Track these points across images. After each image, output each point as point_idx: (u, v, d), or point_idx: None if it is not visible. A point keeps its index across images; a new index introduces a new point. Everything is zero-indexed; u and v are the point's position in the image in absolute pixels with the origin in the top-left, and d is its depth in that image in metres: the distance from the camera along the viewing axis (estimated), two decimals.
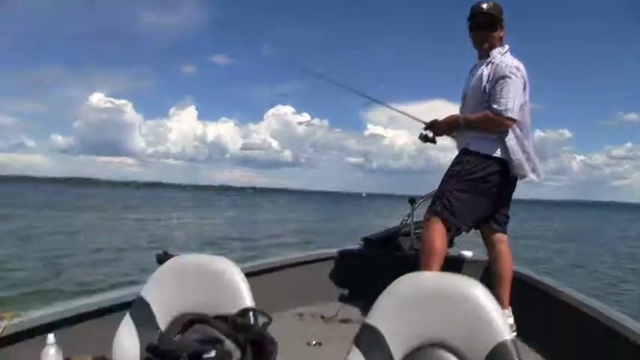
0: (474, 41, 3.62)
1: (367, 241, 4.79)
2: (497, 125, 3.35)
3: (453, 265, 3.93)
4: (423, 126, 3.82)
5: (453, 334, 1.45)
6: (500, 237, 3.65)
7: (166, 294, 1.83)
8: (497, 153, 3.39)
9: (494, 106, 3.31)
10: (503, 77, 3.31)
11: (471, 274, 4.11)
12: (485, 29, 3.52)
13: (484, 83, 3.41)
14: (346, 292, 4.44)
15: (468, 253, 4.53)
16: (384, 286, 1.59)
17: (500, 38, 3.54)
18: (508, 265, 3.60)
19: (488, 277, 3.71)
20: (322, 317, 3.91)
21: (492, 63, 3.43)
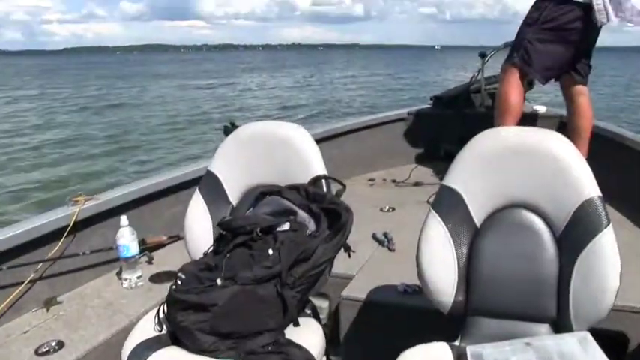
0: None
1: (437, 99, 4.63)
2: None
3: (528, 120, 3.74)
4: None
5: (536, 193, 1.37)
6: (581, 89, 3.42)
7: (235, 166, 1.78)
8: None
9: None
10: None
11: (546, 128, 3.99)
12: None
13: None
14: (417, 154, 4.35)
15: (541, 108, 4.32)
16: (456, 146, 1.50)
17: None
18: (588, 119, 3.40)
19: (565, 132, 3.54)
20: (394, 181, 3.85)
21: None
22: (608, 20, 3.13)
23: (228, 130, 2.01)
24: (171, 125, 13.76)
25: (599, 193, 1.32)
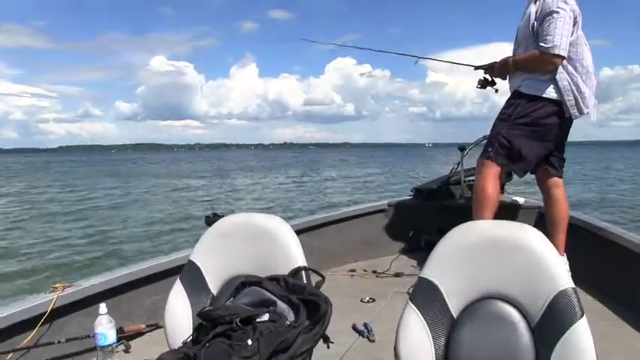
0: None
1: (417, 191, 4.73)
2: (545, 64, 3.21)
3: (506, 212, 3.85)
4: (482, 72, 3.70)
5: (512, 285, 1.39)
6: (556, 181, 3.54)
7: (216, 256, 1.79)
8: (549, 93, 3.26)
9: (541, 44, 3.17)
10: (550, 13, 3.15)
11: (524, 221, 4.03)
12: None
13: (532, 21, 3.27)
14: (398, 245, 4.37)
15: (520, 199, 4.42)
16: (436, 238, 1.53)
17: None
18: (564, 210, 3.49)
19: (542, 223, 3.59)
20: (375, 272, 3.87)
21: (539, 0, 3.26)
22: (580, 113, 3.28)
23: (210, 220, 2.04)
24: (155, 222, 13.61)
25: (573, 285, 1.34)
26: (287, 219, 1.89)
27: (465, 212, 3.36)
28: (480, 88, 3.72)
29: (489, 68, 3.65)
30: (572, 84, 3.22)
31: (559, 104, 3.26)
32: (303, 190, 21.98)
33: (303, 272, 1.68)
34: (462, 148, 4.58)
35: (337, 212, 4.30)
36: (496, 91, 3.68)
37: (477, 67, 3.76)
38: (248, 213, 1.92)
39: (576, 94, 3.22)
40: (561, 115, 3.29)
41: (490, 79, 3.67)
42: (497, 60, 3.58)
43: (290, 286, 1.61)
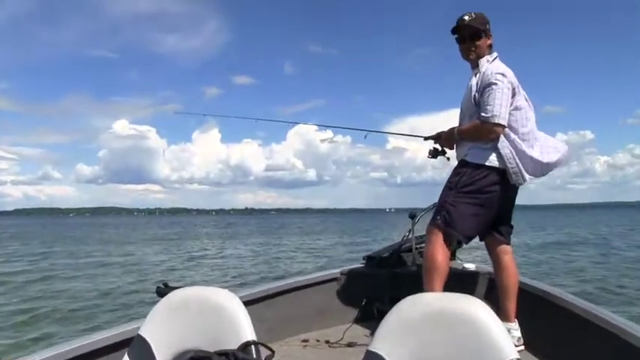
0: (462, 53, 3.63)
1: (369, 259, 4.74)
2: (486, 133, 3.33)
3: (457, 279, 3.92)
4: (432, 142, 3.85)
5: (456, 357, 1.43)
6: (504, 248, 3.61)
7: (166, 330, 1.78)
8: (492, 162, 3.37)
9: (482, 114, 3.31)
10: (489, 85, 3.30)
11: (475, 287, 4.15)
12: (469, 41, 3.54)
13: (473, 93, 3.42)
14: (350, 314, 4.35)
15: (470, 266, 4.50)
16: (388, 306, 1.57)
17: (489, 46, 3.56)
18: (513, 277, 3.55)
19: (493, 289, 3.68)
20: (327, 342, 3.81)
21: (480, 72, 3.44)
22: (524, 180, 3.38)
23: (161, 291, 2.03)
24: (103, 294, 12.77)
25: (518, 356, 1.38)
26: (238, 290, 1.90)
27: (417, 280, 3.41)
28: (430, 157, 3.83)
29: (438, 138, 3.79)
30: (513, 152, 3.33)
31: (502, 172, 3.37)
32: (260, 258, 21.59)
33: (253, 347, 1.68)
34: (412, 215, 4.63)
35: (289, 282, 4.26)
36: (448, 159, 3.78)
37: (426, 138, 3.91)
38: (198, 286, 1.92)
39: (518, 161, 3.33)
40: (505, 183, 3.40)
41: (440, 148, 3.79)
42: (445, 130, 3.72)
43: None
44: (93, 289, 13.28)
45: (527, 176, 3.38)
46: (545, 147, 3.48)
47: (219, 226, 72.44)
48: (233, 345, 1.68)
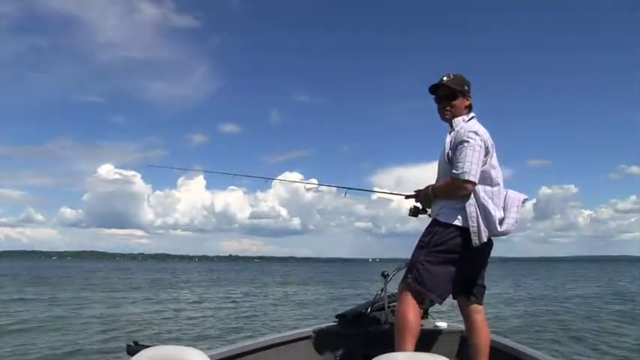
0: (439, 112, 3.70)
1: (341, 317, 4.71)
2: (457, 190, 3.36)
3: (428, 338, 3.87)
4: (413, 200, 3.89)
5: None
6: (476, 307, 3.62)
7: None
8: (458, 221, 3.39)
9: (453, 171, 3.35)
10: (461, 142, 3.36)
11: (447, 346, 4.14)
12: (445, 100, 3.63)
13: (447, 150, 3.48)
14: None
15: (442, 324, 4.50)
16: None
17: (467, 107, 3.64)
18: (485, 336, 3.56)
19: (465, 347, 3.69)
20: None
21: (454, 131, 3.51)
22: (480, 241, 3.37)
23: (131, 350, 2.04)
24: (72, 350, 11.96)
25: None
26: (207, 349, 1.87)
27: (389, 338, 3.38)
28: (411, 215, 3.82)
29: (417, 196, 3.81)
30: (479, 210, 3.35)
31: (467, 232, 3.38)
32: (239, 310, 21.31)
33: None
34: (385, 274, 4.67)
35: (260, 340, 4.22)
36: (429, 216, 3.76)
37: (407, 197, 3.94)
38: (167, 345, 1.91)
39: (481, 221, 3.33)
40: (471, 242, 3.40)
41: (420, 206, 3.81)
42: (423, 188, 3.74)
43: None
44: (59, 341, 12.82)
45: (484, 237, 3.36)
46: (509, 210, 3.48)
47: (201, 273, 71.71)
48: None
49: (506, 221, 3.44)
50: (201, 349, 1.91)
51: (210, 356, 1.83)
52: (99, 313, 19.14)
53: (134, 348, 2.05)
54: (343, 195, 4.75)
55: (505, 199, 3.52)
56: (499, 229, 3.40)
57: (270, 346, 4.21)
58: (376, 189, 4.89)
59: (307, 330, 4.60)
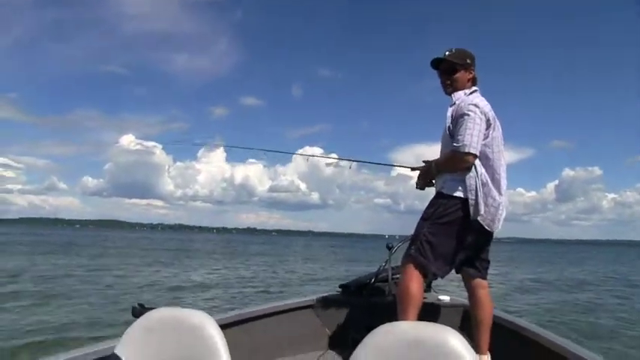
0: (442, 85, 3.70)
1: (344, 288, 4.74)
2: (458, 162, 3.35)
3: (431, 310, 3.85)
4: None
5: None
6: (480, 282, 3.62)
7: (141, 351, 1.80)
8: (460, 193, 3.39)
9: (454, 144, 3.34)
10: (462, 115, 3.35)
11: (449, 319, 4.19)
12: (445, 75, 3.65)
13: (448, 124, 3.46)
14: (324, 341, 4.36)
15: (445, 298, 4.52)
16: (363, 335, 1.60)
17: (469, 80, 3.63)
18: (488, 311, 3.56)
19: (468, 321, 3.69)
20: None
21: (455, 104, 3.48)
22: (478, 214, 3.36)
23: (136, 312, 2.04)
24: (83, 310, 12.32)
25: None
26: (214, 313, 1.85)
27: (392, 310, 3.39)
28: (419, 189, 3.79)
29: (426, 169, 3.74)
30: (478, 183, 3.34)
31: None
32: (251, 281, 21.40)
33: None
34: (389, 246, 4.64)
35: (264, 307, 4.24)
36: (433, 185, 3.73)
37: (413, 169, 3.94)
38: (174, 307, 1.95)
39: (479, 193, 3.34)
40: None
41: (428, 179, 3.77)
42: (430, 160, 3.70)
43: None
44: (70, 306, 13.02)
45: (482, 210, 3.36)
46: (504, 187, 3.49)
47: (220, 245, 72.36)
48: None
49: (498, 203, 3.41)
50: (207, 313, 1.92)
51: (215, 320, 1.84)
52: (113, 281, 19.40)
53: (139, 310, 2.09)
54: (349, 167, 4.74)
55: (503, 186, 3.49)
56: (498, 199, 3.40)
57: (274, 313, 4.24)
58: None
59: (310, 298, 4.62)
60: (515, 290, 19.22)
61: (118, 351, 1.79)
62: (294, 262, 36.19)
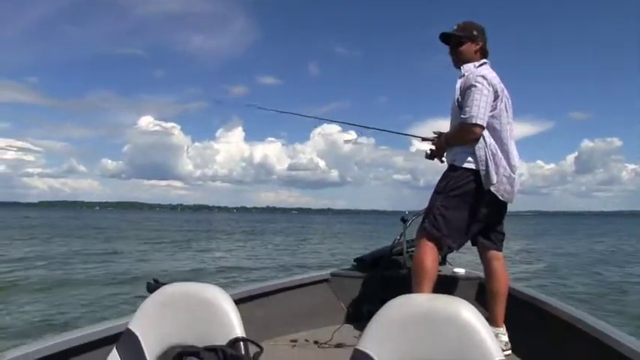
0: (452, 59, 3.71)
1: (359, 261, 4.76)
2: (466, 134, 3.37)
3: (446, 283, 3.89)
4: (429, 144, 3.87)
5: (443, 357, 1.44)
6: (495, 254, 3.61)
7: (155, 325, 1.79)
8: (470, 164, 3.39)
9: (462, 116, 3.36)
10: (469, 87, 3.36)
11: (464, 292, 4.22)
12: (453, 49, 3.66)
13: (456, 96, 3.48)
14: (340, 315, 4.38)
15: (460, 271, 4.50)
16: (378, 308, 1.58)
17: (477, 52, 3.61)
18: (503, 283, 3.56)
19: (483, 294, 3.69)
20: (316, 343, 3.83)
21: (464, 76, 3.49)
22: (490, 184, 3.36)
23: (151, 287, 2.03)
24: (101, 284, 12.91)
25: (503, 357, 1.40)
26: (228, 288, 1.89)
27: (407, 283, 3.42)
28: (428, 159, 3.81)
29: (436, 139, 3.78)
30: (488, 154, 3.34)
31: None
32: (269, 257, 21.49)
33: (242, 343, 1.70)
34: (404, 219, 4.64)
35: (279, 282, 4.28)
36: (442, 162, 3.75)
37: (423, 139, 3.96)
38: (187, 282, 1.92)
39: (490, 163, 3.33)
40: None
41: (441, 155, 3.77)
42: (441, 131, 3.74)
43: (228, 356, 1.65)
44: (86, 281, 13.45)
45: (494, 180, 3.35)
46: (514, 158, 3.48)
47: (240, 224, 72.47)
48: (222, 341, 1.69)
49: (510, 173, 3.42)
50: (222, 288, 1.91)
51: (229, 295, 1.83)
52: (133, 261, 19.55)
53: (154, 285, 2.04)
54: (359, 134, 4.72)
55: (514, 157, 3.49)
56: (509, 169, 3.40)
57: (288, 288, 4.26)
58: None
59: (325, 273, 4.64)
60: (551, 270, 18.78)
61: (131, 326, 1.79)
62: (324, 240, 36.25)
